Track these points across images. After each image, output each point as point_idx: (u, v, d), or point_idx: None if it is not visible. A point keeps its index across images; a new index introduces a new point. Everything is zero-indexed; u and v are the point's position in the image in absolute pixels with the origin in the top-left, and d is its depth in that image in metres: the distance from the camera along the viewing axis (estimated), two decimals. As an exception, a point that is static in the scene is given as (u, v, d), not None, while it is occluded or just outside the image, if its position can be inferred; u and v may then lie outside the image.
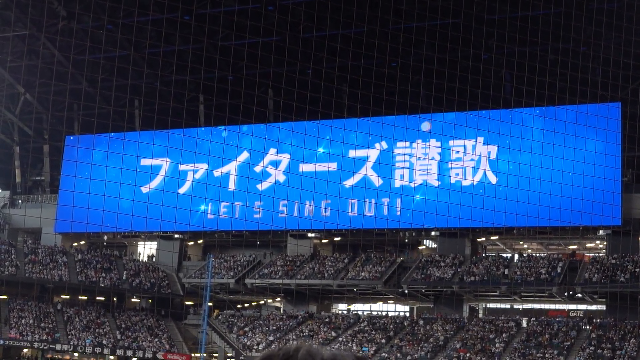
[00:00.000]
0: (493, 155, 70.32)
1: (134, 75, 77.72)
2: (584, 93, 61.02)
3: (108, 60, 76.07)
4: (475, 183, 68.91)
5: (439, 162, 72.05)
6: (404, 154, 73.62)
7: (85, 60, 77.22)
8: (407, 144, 72.73)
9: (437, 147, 71.90)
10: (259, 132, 75.72)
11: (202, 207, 75.50)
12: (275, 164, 75.95)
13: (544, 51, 64.96)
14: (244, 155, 76.35)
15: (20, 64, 78.76)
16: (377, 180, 72.00)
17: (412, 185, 71.08)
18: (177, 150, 75.69)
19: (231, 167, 76.36)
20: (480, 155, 70.88)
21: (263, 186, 74.52)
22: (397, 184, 71.39)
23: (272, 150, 76.30)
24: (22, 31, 77.46)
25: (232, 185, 75.23)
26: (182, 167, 76.55)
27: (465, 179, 69.78)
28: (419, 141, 72.24)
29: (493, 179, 69.08)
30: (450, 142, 70.28)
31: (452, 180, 69.36)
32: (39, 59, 79.19)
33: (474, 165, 71.12)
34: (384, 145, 73.22)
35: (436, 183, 70.53)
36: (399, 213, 69.82)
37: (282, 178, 74.55)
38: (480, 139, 69.93)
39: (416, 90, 70.53)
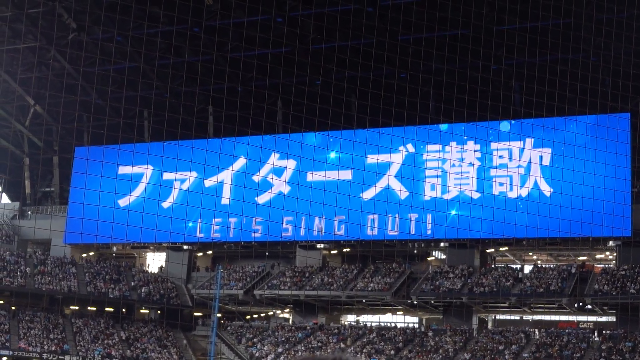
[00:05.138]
0: (546, 162, 67.13)
1: (144, 87, 78.06)
2: (593, 104, 61.09)
3: (118, 72, 76.47)
4: (524, 195, 66.02)
5: (478, 169, 68.97)
6: (436, 159, 70.55)
7: (95, 72, 77.61)
8: (439, 147, 70.05)
9: (476, 151, 69.22)
10: (268, 142, 75.65)
11: (190, 224, 74.59)
12: (279, 172, 75.19)
13: (553, 62, 65.05)
14: (241, 162, 75.51)
15: (30, 75, 79.18)
16: (402, 193, 70.18)
17: (446, 197, 68.22)
18: (187, 162, 75.82)
19: (226, 176, 75.54)
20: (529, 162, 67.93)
21: (264, 198, 73.74)
22: (427, 197, 67.82)
23: (275, 157, 75.22)
24: (32, 43, 77.89)
25: (226, 196, 74.61)
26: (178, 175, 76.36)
27: (511, 190, 67.14)
28: (453, 143, 69.59)
29: (547, 189, 66.45)
30: (493, 145, 68.00)
31: (496, 192, 66.48)
32: (49, 71, 79.60)
33: (522, 172, 68.14)
34: (411, 149, 70.70)
35: (475, 195, 67.55)
36: (429, 232, 68.15)
37: (286, 189, 74.05)
38: (530, 141, 67.27)
39: (425, 101, 70.59)
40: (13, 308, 74.22)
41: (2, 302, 73.93)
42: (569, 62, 63.97)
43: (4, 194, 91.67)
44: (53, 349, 70.24)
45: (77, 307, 76.27)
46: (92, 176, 76.03)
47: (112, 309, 75.97)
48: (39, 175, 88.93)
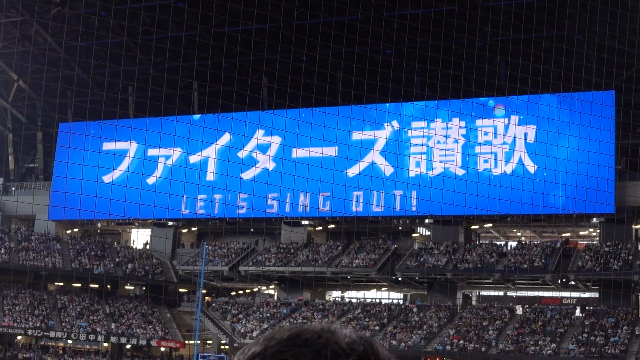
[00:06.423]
0: (531, 138, 66.76)
1: (128, 62, 77.37)
2: (579, 80, 60.91)
3: (101, 47, 75.77)
4: (509, 172, 65.77)
5: (463, 146, 68.78)
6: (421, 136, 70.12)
7: (78, 46, 76.86)
8: (424, 123, 69.54)
9: (461, 127, 68.66)
10: (252, 118, 75.26)
11: (174, 200, 74.02)
12: (264, 148, 74.78)
13: (539, 38, 64.73)
14: (226, 138, 75.12)
15: (12, 50, 78.37)
16: (387, 169, 70.03)
17: (431, 174, 68.14)
18: (172, 138, 75.49)
19: (210, 152, 75.01)
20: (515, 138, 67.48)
21: (248, 175, 73.52)
22: (412, 173, 68.09)
23: (260, 133, 75.03)
24: (14, 17, 77.00)
25: (211, 172, 74.44)
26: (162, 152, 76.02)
27: (495, 166, 67.04)
28: (438, 120, 69.08)
29: (531, 166, 66.16)
30: (478, 122, 67.85)
31: (480, 169, 66.42)
32: (32, 46, 78.78)
33: (507, 149, 67.52)
34: (396, 125, 70.44)
35: (460, 172, 67.50)
36: (414, 208, 68.34)
37: (271, 165, 73.75)
38: (515, 117, 66.91)
39: (411, 77, 70.31)
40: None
41: (-15, 278, 73.63)
42: (554, 38, 63.74)
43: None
44: (38, 325, 70.09)
45: (61, 284, 76.03)
46: (76, 152, 75.79)
47: (97, 285, 75.79)
48: (23, 151, 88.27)
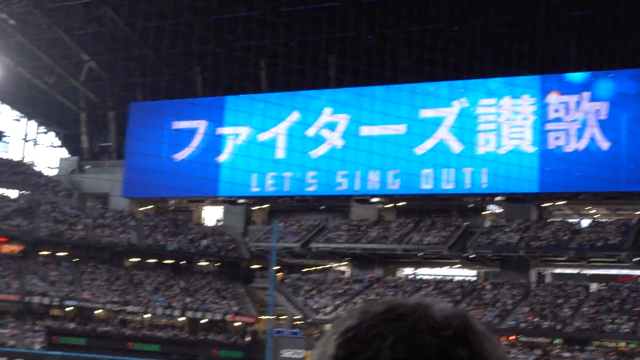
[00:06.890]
0: (603, 114, 65.02)
1: (197, 42, 78.34)
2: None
3: (171, 27, 76.79)
4: (581, 149, 65.23)
5: (533, 122, 68.01)
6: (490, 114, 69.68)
7: (150, 26, 77.96)
8: (494, 100, 68.87)
9: (531, 104, 68.07)
10: (321, 96, 75.78)
11: (245, 178, 75.17)
12: (332, 126, 75.11)
13: (609, 14, 63.92)
14: (294, 116, 75.78)
15: (83, 32, 79.78)
16: (456, 146, 69.88)
17: (501, 151, 67.69)
18: (241, 117, 76.58)
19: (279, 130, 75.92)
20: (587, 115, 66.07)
21: (317, 152, 74.27)
22: (482, 150, 68.16)
23: (328, 111, 75.24)
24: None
25: (280, 151, 75.43)
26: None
27: (567, 144, 66.15)
28: (508, 97, 68.07)
29: (604, 143, 65.02)
30: (549, 99, 66.80)
31: (551, 146, 66.27)
32: (103, 27, 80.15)
33: (579, 126, 66.47)
34: (465, 102, 69.47)
35: (531, 149, 67.06)
36: (485, 185, 68.04)
37: (339, 143, 74.19)
38: (586, 95, 66.06)
39: (480, 53, 70.17)
40: (76, 260, 75.97)
41: (65, 253, 75.81)
42: (625, 13, 62.79)
43: (64, 149, 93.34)
44: (116, 299, 72.17)
45: (137, 259, 77.99)
46: (147, 130, 77.48)
47: (172, 261, 77.63)
48: (96, 130, 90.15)
